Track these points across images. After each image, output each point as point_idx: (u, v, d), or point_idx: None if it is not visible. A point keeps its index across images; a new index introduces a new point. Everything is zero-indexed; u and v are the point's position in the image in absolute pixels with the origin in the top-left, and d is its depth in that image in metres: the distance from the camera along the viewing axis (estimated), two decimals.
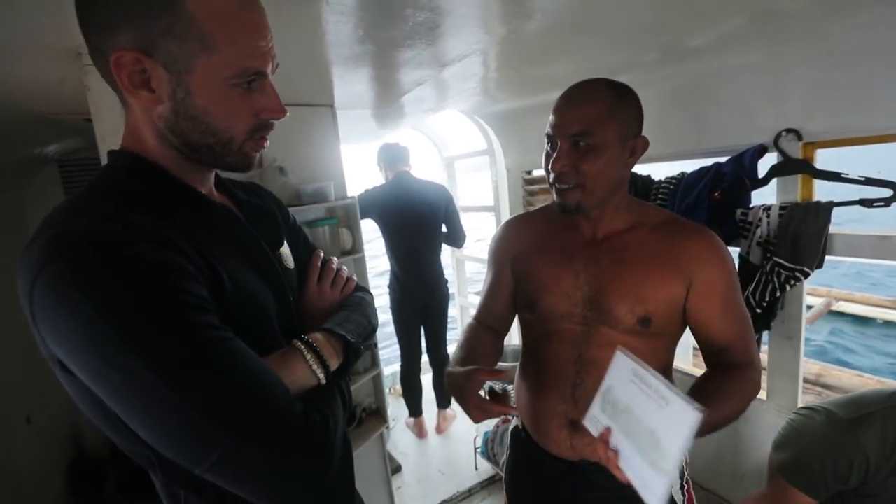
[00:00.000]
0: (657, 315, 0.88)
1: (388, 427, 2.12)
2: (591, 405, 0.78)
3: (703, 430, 0.66)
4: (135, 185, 0.55)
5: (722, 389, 0.82)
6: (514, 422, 1.15)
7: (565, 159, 0.85)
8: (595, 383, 0.82)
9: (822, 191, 1.31)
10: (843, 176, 1.19)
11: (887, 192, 1.13)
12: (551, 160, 0.87)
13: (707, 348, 0.92)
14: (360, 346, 0.71)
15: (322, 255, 0.84)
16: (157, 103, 0.53)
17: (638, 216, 0.94)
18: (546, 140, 0.90)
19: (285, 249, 0.75)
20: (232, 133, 0.56)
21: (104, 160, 1.13)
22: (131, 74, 0.51)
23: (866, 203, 1.16)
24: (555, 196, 0.91)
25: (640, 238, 0.91)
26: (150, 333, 0.45)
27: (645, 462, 0.68)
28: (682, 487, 0.99)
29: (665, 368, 0.97)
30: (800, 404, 1.40)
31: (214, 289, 0.53)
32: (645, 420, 0.69)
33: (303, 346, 0.63)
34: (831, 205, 1.21)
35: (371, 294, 0.88)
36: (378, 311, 0.87)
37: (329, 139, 1.84)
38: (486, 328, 1.07)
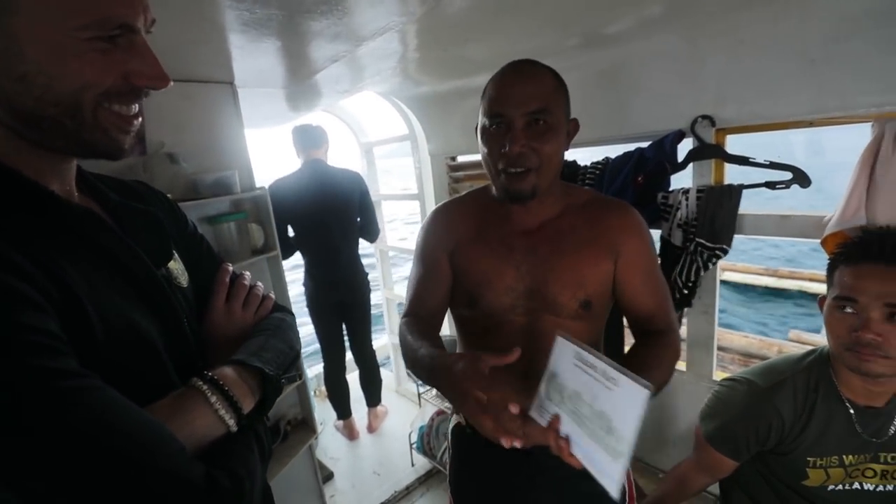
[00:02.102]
0: (596, 296, 0.89)
1: (316, 436, 1.97)
2: (536, 394, 0.74)
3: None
4: None
5: (653, 361, 0.84)
6: (454, 419, 1.09)
7: (524, 138, 0.78)
8: (541, 371, 0.79)
9: (732, 174, 1.41)
10: (750, 160, 1.29)
11: (788, 175, 1.24)
12: (504, 141, 0.79)
13: (633, 317, 0.95)
14: (280, 380, 0.58)
15: (231, 268, 0.69)
16: None
17: (566, 199, 0.93)
18: (488, 120, 0.82)
19: (176, 264, 0.60)
20: (81, 100, 0.41)
21: None
22: None
23: (770, 185, 1.26)
24: (502, 182, 0.84)
25: (572, 223, 0.91)
26: None
27: (599, 446, 0.66)
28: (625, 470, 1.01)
29: (598, 347, 0.98)
30: (715, 372, 1.51)
31: (72, 321, 0.39)
32: (595, 403, 0.67)
33: (205, 386, 0.49)
34: (741, 187, 1.31)
35: (292, 314, 0.74)
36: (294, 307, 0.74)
37: (230, 121, 1.60)
38: (427, 324, 0.97)
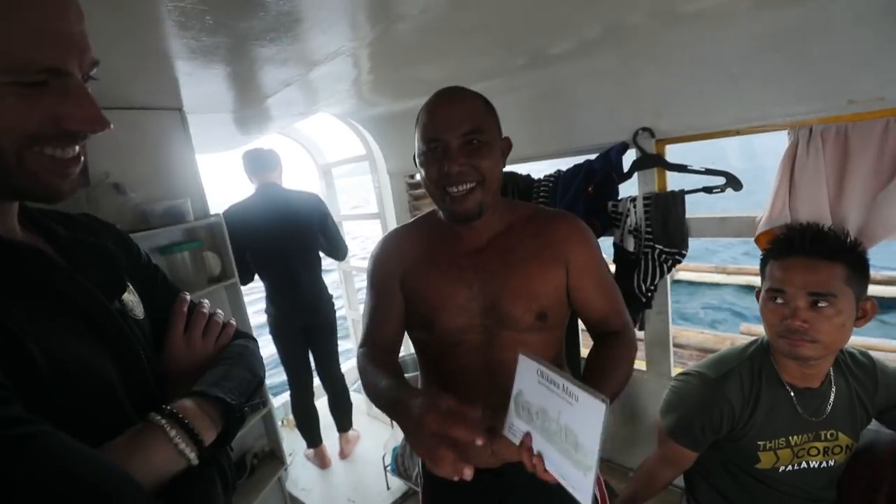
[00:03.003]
0: (550, 307, 0.90)
1: (286, 468, 1.90)
2: (506, 415, 0.75)
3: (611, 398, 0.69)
4: None
5: (614, 361, 0.88)
6: None
7: (462, 157, 0.81)
8: (509, 385, 0.80)
9: (674, 182, 1.50)
10: (688, 168, 1.38)
11: (721, 180, 1.34)
12: (442, 163, 0.82)
13: (589, 321, 0.97)
14: (243, 408, 0.57)
15: (189, 298, 0.67)
16: None
17: (510, 215, 0.95)
18: (425, 146, 0.84)
19: (131, 296, 0.58)
20: (1, 141, 0.39)
21: None
22: None
23: (707, 190, 1.36)
24: (447, 205, 0.86)
25: (519, 237, 0.92)
26: None
27: (568, 461, 0.68)
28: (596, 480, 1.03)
29: (560, 355, 1.01)
30: (673, 369, 1.59)
31: (14, 365, 0.38)
32: (560, 419, 0.69)
33: (163, 421, 0.48)
34: (683, 192, 1.40)
35: (255, 340, 0.73)
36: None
37: (180, 148, 1.56)
38: (383, 354, 0.97)
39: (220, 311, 0.70)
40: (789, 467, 1.08)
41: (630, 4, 1.13)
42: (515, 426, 0.76)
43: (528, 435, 0.73)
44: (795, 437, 1.05)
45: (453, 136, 0.81)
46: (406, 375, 1.56)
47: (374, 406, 2.84)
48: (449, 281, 0.91)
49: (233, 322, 0.71)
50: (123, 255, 0.62)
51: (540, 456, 0.71)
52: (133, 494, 0.39)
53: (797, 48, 1.15)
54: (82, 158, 0.45)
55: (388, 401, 0.79)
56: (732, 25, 1.20)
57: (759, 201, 1.30)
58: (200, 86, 1.38)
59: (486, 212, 0.86)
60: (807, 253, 0.94)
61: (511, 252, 0.91)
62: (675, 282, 8.05)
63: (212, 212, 1.65)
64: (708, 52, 1.28)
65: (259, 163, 2.30)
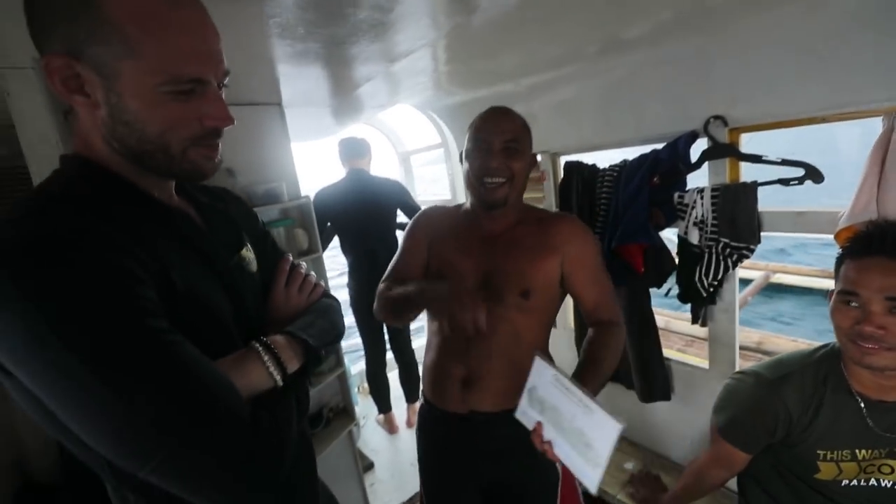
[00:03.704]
0: (535, 288, 1.06)
1: (356, 425, 2.12)
2: (519, 401, 0.92)
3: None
4: (84, 188, 0.54)
5: (603, 351, 1.04)
6: (421, 399, 1.28)
7: (501, 157, 1.03)
8: (485, 348, 1.07)
9: (747, 173, 1.42)
10: (764, 158, 1.30)
11: (800, 172, 1.24)
12: (486, 158, 1.04)
13: (582, 308, 1.13)
14: (321, 351, 0.71)
15: (291, 259, 0.82)
16: (95, 108, 0.52)
17: (522, 214, 1.15)
18: (473, 144, 1.06)
19: (247, 252, 0.74)
20: (167, 140, 0.54)
21: (34, 167, 1.08)
22: (65, 79, 0.50)
23: (784, 182, 1.27)
24: (480, 193, 1.07)
25: (523, 233, 1.11)
26: (94, 338, 0.44)
27: (578, 454, 0.80)
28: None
29: (543, 341, 1.15)
30: (738, 370, 1.51)
31: (164, 292, 0.53)
32: (573, 420, 0.81)
33: (260, 348, 0.62)
34: (755, 184, 1.32)
35: (338, 301, 0.88)
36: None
37: (278, 138, 1.80)
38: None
39: (313, 272, 0.85)
40: (854, 482, 1.01)
41: None
42: (528, 413, 0.90)
43: (539, 423, 0.88)
44: (864, 451, 0.98)
45: (497, 140, 1.03)
46: None
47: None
48: (461, 252, 1.13)
49: (323, 284, 0.85)
50: (245, 221, 0.79)
51: (549, 442, 0.86)
52: (235, 399, 0.52)
53: None
54: (219, 146, 0.61)
55: (418, 290, 1.05)
56: (823, 2, 1.11)
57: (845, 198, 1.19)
58: (296, 83, 1.59)
59: (508, 204, 1.07)
60: (887, 253, 0.87)
61: (514, 243, 1.10)
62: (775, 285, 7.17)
63: (303, 194, 1.88)
64: (792, 32, 1.19)
65: (351, 149, 2.54)
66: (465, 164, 1.09)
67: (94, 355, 0.44)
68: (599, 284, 1.11)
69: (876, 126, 1.14)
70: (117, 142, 0.54)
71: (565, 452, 0.83)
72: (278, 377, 0.62)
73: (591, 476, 0.78)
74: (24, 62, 1.01)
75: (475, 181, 1.07)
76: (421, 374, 1.26)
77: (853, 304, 0.90)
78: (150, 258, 0.52)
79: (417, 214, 1.28)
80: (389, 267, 1.25)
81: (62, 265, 0.44)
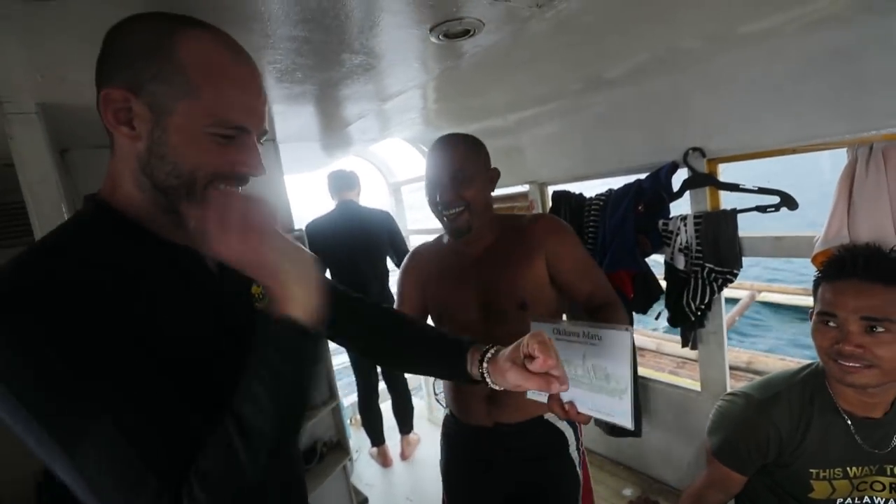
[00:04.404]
0: (530, 297, 1.08)
1: (350, 459, 2.08)
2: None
3: None
4: (88, 237, 0.56)
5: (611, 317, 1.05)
6: (445, 411, 1.31)
7: (451, 192, 1.07)
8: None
9: (727, 201, 1.49)
10: (741, 186, 1.37)
11: (776, 199, 1.31)
12: (435, 193, 1.09)
13: (578, 300, 1.14)
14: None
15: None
16: (136, 140, 0.54)
17: (500, 229, 1.16)
18: (426, 180, 1.12)
19: (258, 289, 0.74)
20: (195, 176, 0.56)
21: (32, 205, 1.09)
22: (117, 111, 0.53)
23: (761, 209, 1.34)
24: (446, 224, 1.12)
25: (506, 244, 1.13)
26: (39, 393, 0.45)
27: (601, 395, 0.77)
28: (577, 449, 1.19)
29: None
30: (728, 391, 1.54)
31: (149, 341, 0.52)
32: (586, 361, 0.78)
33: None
34: (735, 212, 1.39)
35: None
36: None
37: (272, 173, 1.83)
38: None
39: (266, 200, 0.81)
40: (848, 500, 1.02)
41: (688, 30, 1.19)
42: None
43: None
44: (855, 468, 1.00)
45: (443, 173, 1.07)
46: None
47: (434, 411, 2.97)
48: (456, 284, 1.15)
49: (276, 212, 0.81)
50: None
51: (571, 403, 0.81)
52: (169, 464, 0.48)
53: (853, 66, 1.12)
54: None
55: None
56: (783, 47, 1.20)
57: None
58: (291, 120, 1.64)
59: (474, 228, 1.10)
60: (860, 276, 0.91)
61: (501, 257, 1.12)
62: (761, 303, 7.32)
63: (296, 226, 1.91)
64: (759, 72, 1.28)
65: (340, 182, 2.60)
66: (427, 199, 1.15)
67: (38, 411, 0.45)
68: (589, 274, 1.13)
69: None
70: (146, 175, 0.56)
71: (589, 402, 0.79)
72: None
73: (621, 409, 0.75)
74: (30, 108, 1.04)
75: (437, 215, 1.12)
76: (443, 388, 1.28)
77: (831, 324, 0.93)
78: (137, 306, 0.53)
79: (405, 259, 1.31)
80: None
81: (28, 313, 0.45)
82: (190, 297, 0.61)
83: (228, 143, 0.57)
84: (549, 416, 1.17)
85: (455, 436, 1.25)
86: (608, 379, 0.76)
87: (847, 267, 0.93)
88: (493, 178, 1.14)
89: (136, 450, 0.46)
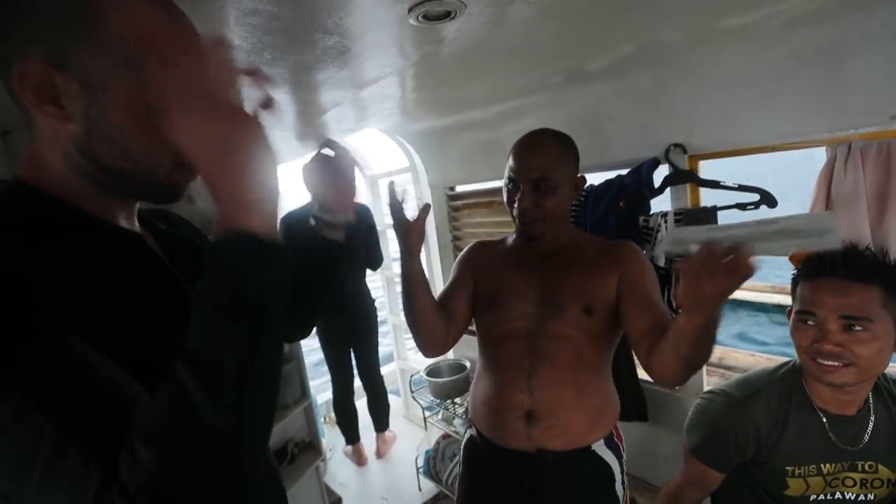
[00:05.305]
0: (597, 303, 1.03)
1: (323, 459, 2.02)
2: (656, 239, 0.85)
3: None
4: (13, 218, 0.48)
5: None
6: (467, 434, 1.19)
7: (529, 199, 1.01)
8: (547, 373, 1.01)
9: (707, 198, 1.49)
10: (721, 184, 1.37)
11: (755, 197, 1.32)
12: (516, 199, 1.03)
13: (633, 332, 1.01)
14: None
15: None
16: (67, 121, 0.48)
17: (578, 237, 1.14)
18: (506, 177, 1.06)
19: None
20: (154, 160, 0.51)
21: None
22: (38, 88, 0.46)
23: (741, 206, 1.34)
24: (518, 226, 1.08)
25: (582, 251, 1.09)
26: None
27: (789, 239, 0.67)
28: (622, 483, 1.12)
29: (607, 368, 1.12)
30: (705, 388, 1.55)
31: (91, 327, 0.46)
32: (768, 226, 0.68)
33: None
34: (715, 209, 1.39)
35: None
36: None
37: None
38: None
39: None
40: (822, 496, 1.04)
41: (669, 21, 1.16)
42: (682, 236, 0.79)
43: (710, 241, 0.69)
44: (828, 465, 1.01)
45: (525, 180, 1.02)
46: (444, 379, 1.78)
47: (410, 408, 2.94)
48: (515, 271, 1.11)
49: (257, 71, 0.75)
50: (206, 241, 0.74)
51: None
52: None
53: (834, 63, 1.12)
54: None
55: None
56: (765, 42, 1.19)
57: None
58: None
59: (547, 236, 1.06)
60: (838, 274, 0.91)
61: (571, 260, 1.08)
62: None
63: None
64: (740, 68, 1.27)
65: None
66: (504, 195, 1.09)
67: None
68: (659, 305, 1.02)
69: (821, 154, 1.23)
70: (87, 159, 0.50)
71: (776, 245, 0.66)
72: None
73: (826, 242, 0.65)
74: None
75: (509, 209, 1.08)
76: (470, 404, 1.19)
77: (810, 322, 0.94)
78: (74, 292, 0.46)
79: (465, 250, 1.25)
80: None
81: None
82: (137, 283, 0.55)
83: None
84: (596, 446, 1.08)
85: (484, 462, 1.12)
86: (797, 235, 0.64)
87: (826, 265, 0.93)
88: (578, 185, 1.09)
89: (47, 416, 0.37)
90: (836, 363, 0.91)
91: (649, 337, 0.96)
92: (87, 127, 0.48)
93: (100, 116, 0.48)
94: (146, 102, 0.48)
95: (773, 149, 1.28)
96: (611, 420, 1.12)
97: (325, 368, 2.71)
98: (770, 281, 7.86)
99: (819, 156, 1.24)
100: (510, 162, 1.06)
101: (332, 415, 2.87)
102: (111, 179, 0.52)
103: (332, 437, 2.98)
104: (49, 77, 0.46)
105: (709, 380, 1.60)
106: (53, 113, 0.47)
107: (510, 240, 1.21)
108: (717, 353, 4.15)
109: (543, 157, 1.02)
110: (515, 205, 1.04)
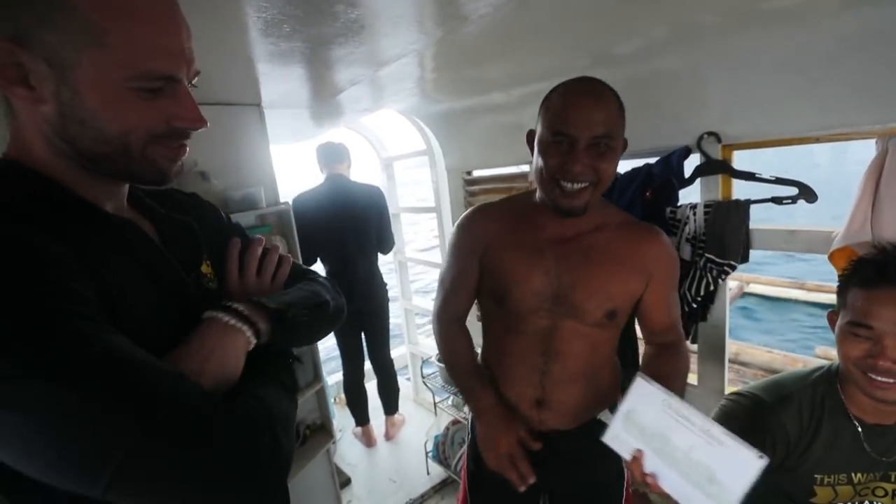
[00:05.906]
0: (621, 309, 0.97)
1: (334, 441, 2.03)
2: (611, 424, 0.83)
3: None
4: (15, 196, 0.47)
5: (675, 373, 0.99)
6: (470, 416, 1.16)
7: (586, 158, 0.83)
8: (561, 372, 0.96)
9: (740, 190, 1.42)
10: (757, 176, 1.30)
11: (793, 191, 1.24)
12: (566, 159, 0.84)
13: (650, 329, 1.06)
14: (289, 312, 0.60)
15: (239, 242, 0.70)
16: (39, 103, 0.46)
17: (602, 216, 0.99)
18: (551, 136, 0.85)
19: (208, 268, 0.66)
20: (129, 140, 0.48)
21: None
22: (3, 69, 0.43)
23: (777, 200, 1.27)
24: (553, 196, 0.88)
25: (606, 239, 0.96)
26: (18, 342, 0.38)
27: (695, 488, 0.72)
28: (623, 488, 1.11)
29: (613, 352, 1.09)
30: (728, 387, 1.51)
31: (103, 313, 0.46)
32: (690, 452, 0.73)
33: (217, 313, 0.55)
34: (748, 202, 1.32)
35: (316, 273, 0.78)
36: None
37: (257, 141, 1.71)
38: (460, 328, 1.11)
39: (277, 244, 0.76)
40: None
41: (708, 2, 1.08)
42: (623, 439, 0.81)
43: (639, 452, 0.78)
44: (859, 474, 0.98)
45: (584, 137, 0.82)
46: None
47: (419, 392, 2.94)
48: (529, 262, 0.97)
49: (290, 257, 0.75)
50: (211, 224, 0.71)
51: (653, 474, 0.76)
52: (183, 386, 0.44)
53: (888, 49, 1.03)
54: (186, 148, 0.55)
55: (465, 387, 1.01)
56: (815, 25, 1.10)
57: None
58: (277, 84, 1.51)
59: (589, 211, 0.90)
60: None
61: (595, 250, 0.95)
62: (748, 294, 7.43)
63: (282, 199, 1.79)
64: (785, 54, 1.18)
65: (330, 155, 2.48)
66: (537, 156, 0.89)
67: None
68: (676, 306, 1.04)
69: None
70: (66, 143, 0.48)
71: (676, 486, 0.73)
72: (249, 333, 0.55)
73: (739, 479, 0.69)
74: None
75: (549, 181, 0.87)
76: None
77: (864, 334, 0.86)
78: (89, 275, 0.45)
79: (462, 219, 1.08)
80: (439, 290, 1.11)
81: None
82: (138, 273, 0.53)
83: (156, 95, 0.48)
84: (602, 415, 1.08)
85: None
86: (711, 482, 0.69)
87: (889, 272, 0.84)
88: (624, 147, 0.93)
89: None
90: (890, 380, 0.84)
91: (665, 333, 1.04)
92: (59, 109, 0.46)
93: (72, 98, 0.45)
94: (115, 79, 0.45)
95: (817, 140, 1.21)
96: (616, 391, 1.12)
97: (336, 351, 2.72)
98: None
99: (851, 150, 1.16)
100: (556, 112, 0.84)
101: (343, 396, 2.89)
102: (93, 164, 0.50)
103: (342, 419, 3.00)
104: (13, 55, 0.43)
105: (729, 377, 1.56)
106: (24, 95, 0.45)
107: (518, 207, 1.03)
108: (733, 349, 4.09)
109: (608, 110, 0.84)
110: (566, 166, 0.83)
